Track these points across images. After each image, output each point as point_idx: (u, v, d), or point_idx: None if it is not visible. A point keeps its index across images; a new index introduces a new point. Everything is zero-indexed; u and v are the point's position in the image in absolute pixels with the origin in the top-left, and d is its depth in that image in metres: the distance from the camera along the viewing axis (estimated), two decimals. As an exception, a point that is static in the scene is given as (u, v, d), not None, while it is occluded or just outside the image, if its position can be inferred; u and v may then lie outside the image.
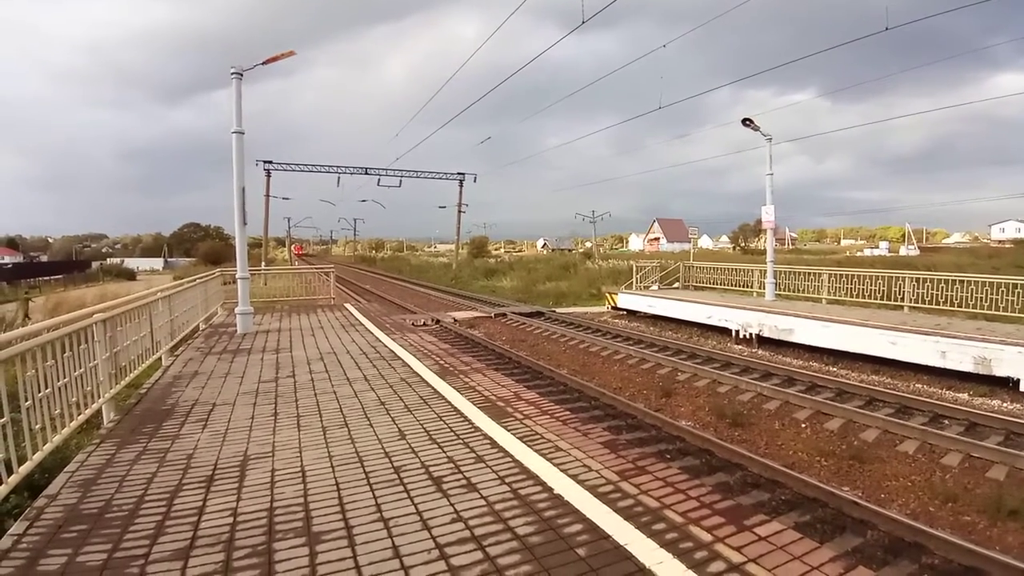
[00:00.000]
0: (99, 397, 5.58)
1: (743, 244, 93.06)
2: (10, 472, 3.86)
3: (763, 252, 22.89)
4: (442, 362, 8.13)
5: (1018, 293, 12.64)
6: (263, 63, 10.67)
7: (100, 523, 3.46)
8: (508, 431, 5.03)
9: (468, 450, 4.58)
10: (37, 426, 4.25)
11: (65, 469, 4.34)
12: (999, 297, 12.95)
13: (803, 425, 8.70)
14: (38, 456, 4.24)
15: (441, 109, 26.96)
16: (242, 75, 10.63)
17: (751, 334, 15.17)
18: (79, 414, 5.08)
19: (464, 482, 3.95)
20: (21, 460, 4.03)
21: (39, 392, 4.30)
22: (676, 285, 22.68)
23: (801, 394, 9.81)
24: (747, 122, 17.14)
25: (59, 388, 4.67)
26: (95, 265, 75.21)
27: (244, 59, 10.80)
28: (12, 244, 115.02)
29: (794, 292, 18.12)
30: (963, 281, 13.86)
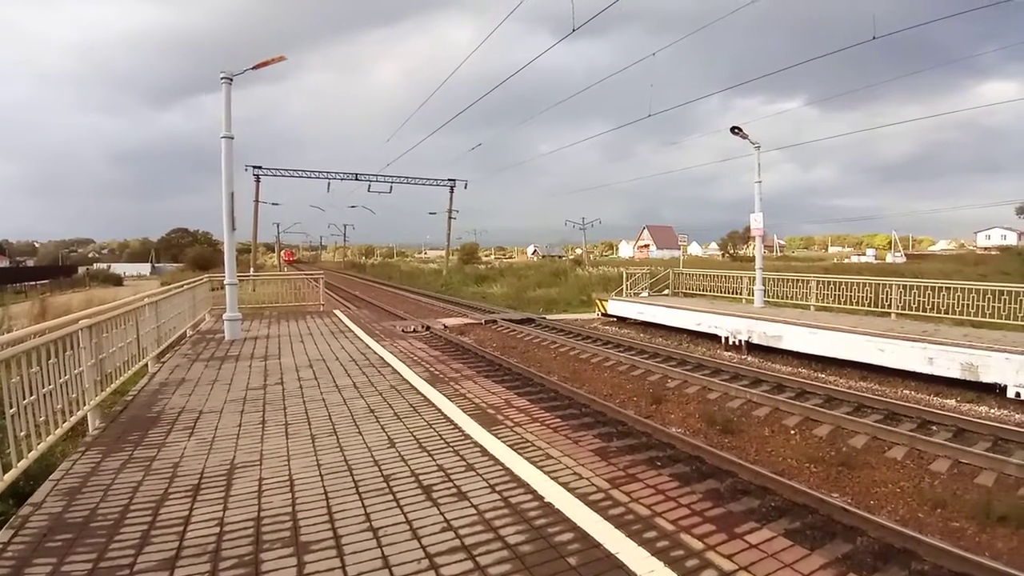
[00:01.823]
0: (84, 404, 5.51)
1: (732, 251, 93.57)
2: (-5, 480, 3.81)
3: (752, 259, 23.02)
4: (432, 369, 8.09)
5: (1004, 300, 12.77)
6: (253, 68, 10.63)
7: (85, 532, 3.41)
8: (498, 439, 5.00)
9: (458, 458, 4.55)
10: (22, 433, 4.20)
11: (50, 477, 4.27)
12: (985, 304, 13.08)
13: (792, 431, 8.73)
14: (23, 464, 4.18)
15: (433, 115, 27.01)
16: (232, 80, 10.58)
17: (740, 341, 15.23)
18: (64, 421, 5.02)
19: (454, 491, 3.92)
20: (6, 468, 3.98)
21: (24, 399, 4.25)
22: (666, 292, 22.77)
23: (790, 400, 9.86)
24: (736, 130, 17.26)
25: (44, 395, 4.61)
26: (81, 270, 74.53)
27: (235, 63, 10.78)
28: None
29: (783, 299, 18.23)
30: (950, 288, 13.98)
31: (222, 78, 10.49)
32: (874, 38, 13.06)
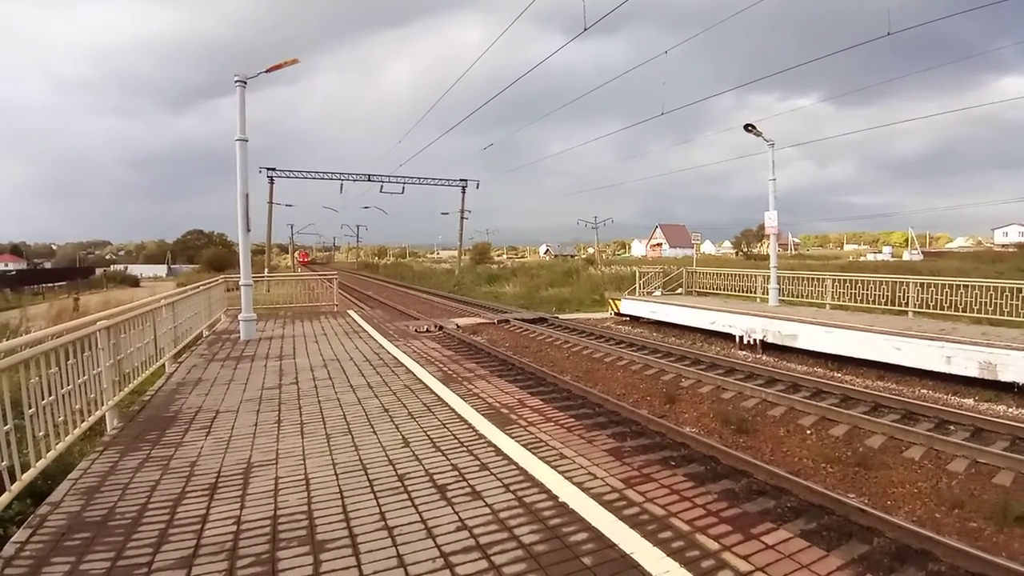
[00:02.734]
0: (102, 404, 5.57)
1: (746, 249, 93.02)
2: (13, 479, 3.85)
3: (766, 257, 22.89)
4: (445, 369, 8.11)
5: (1022, 298, 12.59)
6: (266, 71, 10.70)
7: (103, 531, 3.45)
8: (512, 438, 5.01)
9: (472, 458, 4.56)
10: (41, 433, 4.25)
11: (68, 476, 4.33)
12: (1003, 301, 12.90)
13: (808, 431, 8.66)
14: (41, 463, 4.23)
15: (445, 115, 27.10)
16: (246, 83, 10.65)
17: (755, 340, 15.13)
18: (82, 421, 5.07)
19: (469, 490, 3.93)
20: (24, 467, 4.01)
21: (43, 399, 4.29)
22: (679, 291, 22.66)
23: (806, 400, 9.78)
24: (749, 128, 17.14)
25: (63, 395, 4.66)
26: (99, 272, 75.35)
27: (249, 67, 10.85)
28: (16, 251, 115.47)
29: (798, 298, 18.07)
30: (967, 286, 13.81)
31: (236, 81, 10.57)
32: (889, 34, 12.95)
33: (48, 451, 4.35)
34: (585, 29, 14.42)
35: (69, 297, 34.32)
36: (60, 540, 3.35)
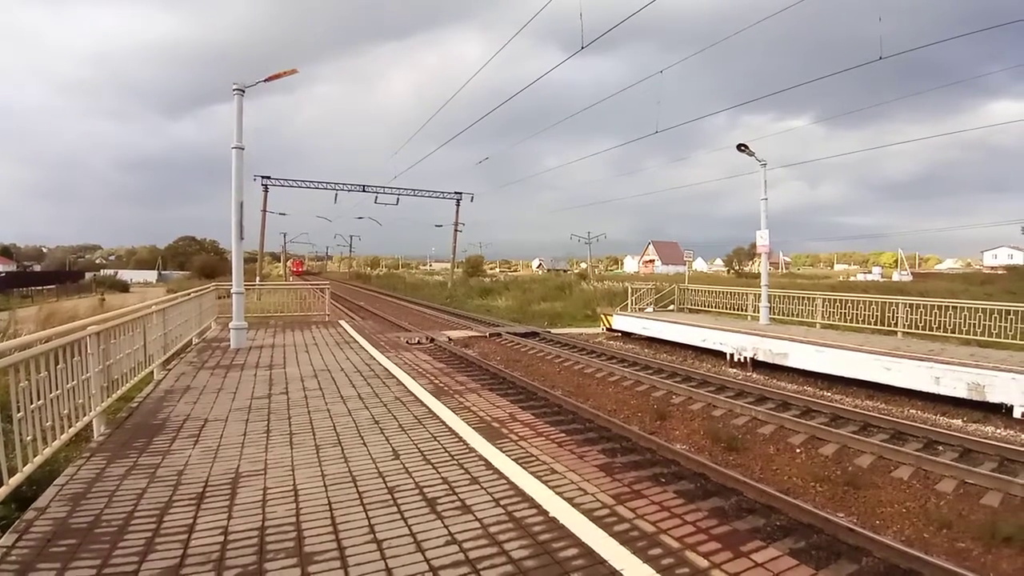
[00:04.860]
0: (90, 410, 5.52)
1: (737, 268, 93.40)
2: (0, 483, 3.82)
3: (757, 276, 23.00)
4: (436, 381, 8.09)
5: (1011, 319, 12.72)
6: (265, 80, 10.74)
7: (89, 538, 3.41)
8: (503, 452, 4.99)
9: (463, 471, 4.54)
10: (28, 438, 4.21)
11: (55, 482, 4.28)
12: (992, 323, 13.04)
13: (798, 450, 8.69)
14: (28, 468, 4.19)
15: (441, 128, 27.18)
16: (244, 92, 10.69)
17: (746, 358, 15.17)
18: (70, 427, 5.03)
19: (458, 504, 3.91)
20: (11, 472, 3.97)
21: (31, 404, 4.26)
22: (671, 307, 22.73)
23: (796, 419, 9.81)
24: (742, 148, 17.29)
25: (51, 400, 4.62)
26: (88, 276, 74.82)
27: (247, 75, 10.90)
28: (6, 253, 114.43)
29: (788, 316, 18.18)
30: (956, 307, 13.94)
31: (234, 90, 10.61)
32: (881, 58, 13.12)
33: (35, 456, 4.31)
34: (583, 47, 14.56)
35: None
36: (46, 546, 3.31)
